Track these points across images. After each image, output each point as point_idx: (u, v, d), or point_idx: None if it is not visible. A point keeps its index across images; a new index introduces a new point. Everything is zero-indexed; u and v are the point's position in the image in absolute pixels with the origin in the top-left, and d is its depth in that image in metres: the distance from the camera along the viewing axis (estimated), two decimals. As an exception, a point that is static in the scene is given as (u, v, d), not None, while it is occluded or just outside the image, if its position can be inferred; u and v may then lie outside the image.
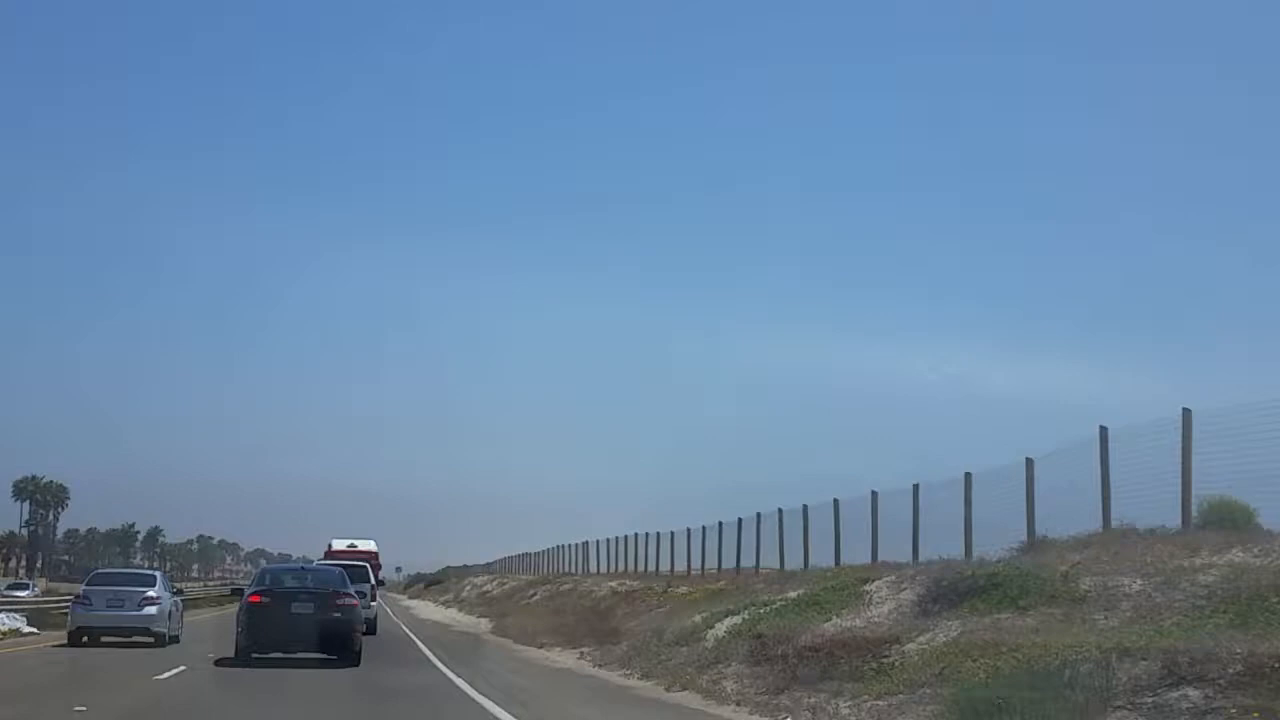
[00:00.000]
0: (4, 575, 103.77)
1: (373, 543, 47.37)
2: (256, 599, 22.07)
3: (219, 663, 22.01)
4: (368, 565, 35.73)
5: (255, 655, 21.38)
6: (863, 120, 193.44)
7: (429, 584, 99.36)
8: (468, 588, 73.24)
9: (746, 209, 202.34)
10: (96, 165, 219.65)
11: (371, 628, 32.03)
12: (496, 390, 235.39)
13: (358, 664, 21.64)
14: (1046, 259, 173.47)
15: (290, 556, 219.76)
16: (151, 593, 27.84)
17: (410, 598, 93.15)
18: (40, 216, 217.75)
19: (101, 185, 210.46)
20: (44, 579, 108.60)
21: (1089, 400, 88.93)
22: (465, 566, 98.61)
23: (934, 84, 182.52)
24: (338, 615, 21.77)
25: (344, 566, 34.88)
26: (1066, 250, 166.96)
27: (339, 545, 46.95)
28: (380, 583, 37.77)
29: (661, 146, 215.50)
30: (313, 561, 38.07)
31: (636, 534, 44.71)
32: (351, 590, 23.15)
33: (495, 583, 67.24)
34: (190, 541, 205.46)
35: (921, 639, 15.26)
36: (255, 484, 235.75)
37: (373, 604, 33.93)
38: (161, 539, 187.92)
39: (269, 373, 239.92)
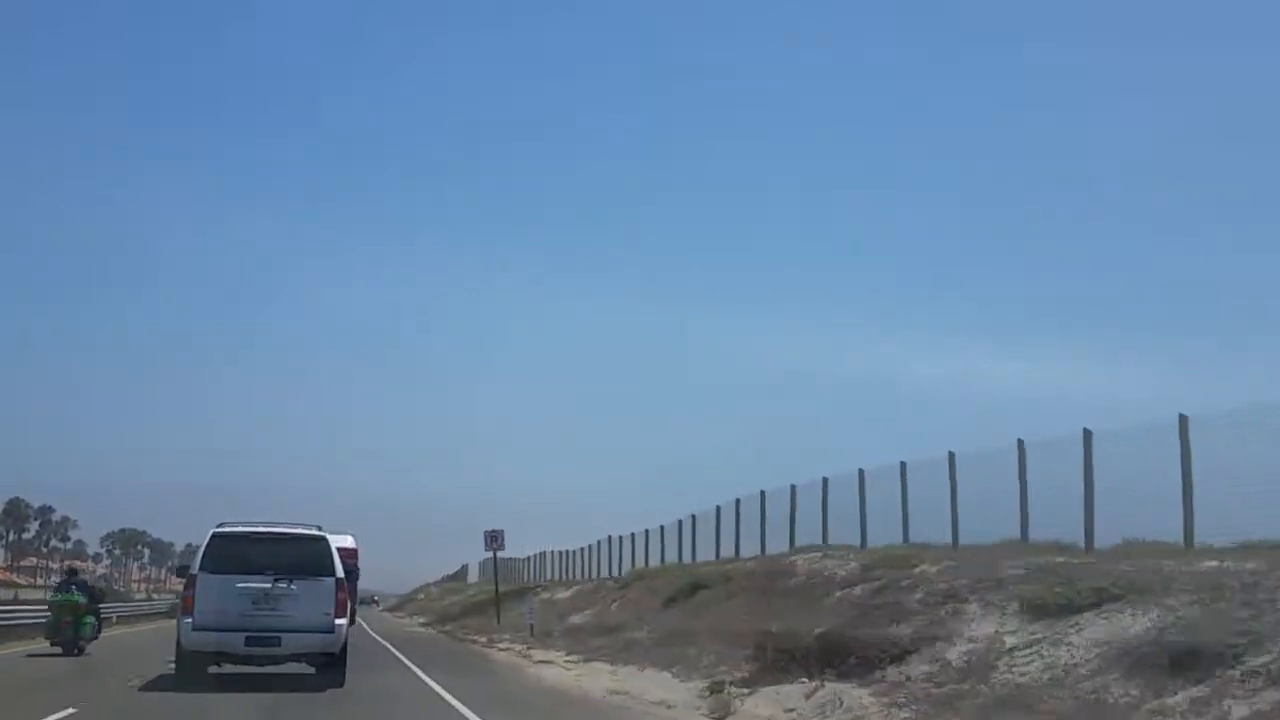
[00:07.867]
0: None
1: (351, 539, 31.90)
2: None
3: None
4: (324, 538, 20.74)
5: None
6: (865, 118, 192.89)
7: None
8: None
9: (746, 210, 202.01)
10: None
11: (338, 675, 20.13)
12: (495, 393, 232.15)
13: None
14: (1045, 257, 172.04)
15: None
16: None
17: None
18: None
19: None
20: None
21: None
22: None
23: (939, 81, 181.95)
24: None
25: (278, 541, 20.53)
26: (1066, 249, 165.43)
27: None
28: (353, 573, 22.61)
29: (659, 147, 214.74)
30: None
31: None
32: None
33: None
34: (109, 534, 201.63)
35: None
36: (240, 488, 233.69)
37: (339, 621, 20.09)
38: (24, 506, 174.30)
39: (260, 379, 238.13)
